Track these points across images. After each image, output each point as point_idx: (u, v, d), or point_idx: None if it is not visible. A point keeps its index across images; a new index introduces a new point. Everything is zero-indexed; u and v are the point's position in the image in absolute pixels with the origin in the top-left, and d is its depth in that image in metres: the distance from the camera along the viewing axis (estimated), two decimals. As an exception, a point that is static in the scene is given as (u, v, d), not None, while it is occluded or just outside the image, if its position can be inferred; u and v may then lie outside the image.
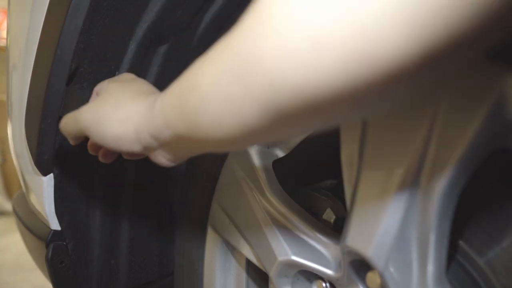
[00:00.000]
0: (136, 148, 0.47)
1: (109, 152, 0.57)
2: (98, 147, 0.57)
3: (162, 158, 0.48)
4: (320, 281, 0.53)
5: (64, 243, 0.71)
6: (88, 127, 0.50)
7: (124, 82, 0.55)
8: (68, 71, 0.59)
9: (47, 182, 0.67)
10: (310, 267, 0.52)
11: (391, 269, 0.41)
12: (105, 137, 0.49)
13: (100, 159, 0.58)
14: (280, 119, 0.32)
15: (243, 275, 0.72)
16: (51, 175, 0.67)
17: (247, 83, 0.32)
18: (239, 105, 0.34)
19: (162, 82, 0.72)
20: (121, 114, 0.48)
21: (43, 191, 0.67)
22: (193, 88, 0.38)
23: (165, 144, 0.45)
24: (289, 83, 0.29)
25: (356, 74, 0.26)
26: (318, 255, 0.52)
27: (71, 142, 0.56)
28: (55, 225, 0.70)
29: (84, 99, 0.66)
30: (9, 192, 2.86)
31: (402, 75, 0.26)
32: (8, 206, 2.76)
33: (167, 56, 0.69)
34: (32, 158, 0.65)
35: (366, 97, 0.28)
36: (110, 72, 0.67)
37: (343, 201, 0.60)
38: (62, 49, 0.58)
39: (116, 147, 0.49)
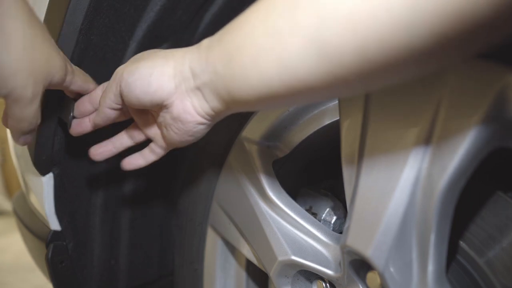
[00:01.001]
0: (167, 83, 0.44)
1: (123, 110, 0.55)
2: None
3: (189, 106, 0.45)
4: (320, 281, 0.53)
5: (64, 243, 0.71)
6: (123, 71, 0.48)
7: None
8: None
9: (47, 182, 0.67)
10: (310, 267, 0.52)
11: (391, 269, 0.41)
12: (133, 76, 0.46)
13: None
14: (327, 65, 0.32)
15: (243, 275, 0.72)
16: (51, 175, 0.67)
17: (296, 21, 0.32)
18: (285, 44, 0.33)
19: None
20: (157, 55, 0.47)
21: (42, 191, 0.68)
22: (240, 25, 0.38)
23: (199, 83, 0.43)
24: (339, 13, 0.30)
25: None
26: (318, 255, 0.52)
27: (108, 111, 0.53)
28: (55, 225, 0.70)
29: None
30: (9, 192, 2.86)
31: None
32: (8, 206, 2.76)
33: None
34: (31, 158, 0.65)
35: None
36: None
37: (343, 201, 0.60)
38: (60, 49, 0.58)
39: (145, 84, 0.45)
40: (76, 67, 0.55)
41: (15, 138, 0.52)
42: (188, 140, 0.50)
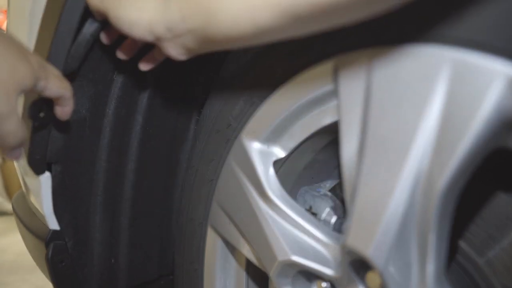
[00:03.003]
0: (148, 37, 0.51)
1: (128, 46, 0.63)
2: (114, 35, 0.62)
3: (172, 50, 0.52)
4: (320, 281, 0.53)
5: (64, 243, 0.71)
6: (108, 9, 0.54)
7: None
8: (63, 70, 0.59)
9: (45, 182, 0.67)
10: (310, 267, 0.52)
11: (391, 269, 0.41)
12: (121, 20, 0.53)
13: (118, 53, 0.63)
14: (293, 21, 0.38)
15: (243, 275, 0.72)
16: (48, 174, 0.67)
17: None
18: (256, 6, 0.39)
19: (160, 79, 0.72)
20: (138, 2, 0.52)
21: (40, 191, 0.67)
22: None
23: (178, 36, 0.49)
24: None
25: None
26: (318, 255, 0.52)
27: (96, 16, 0.59)
28: (53, 224, 0.70)
29: (83, 97, 0.66)
30: (9, 192, 2.86)
31: None
32: (8, 206, 2.76)
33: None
34: (25, 157, 0.65)
35: None
36: (108, 70, 0.67)
37: (343, 201, 0.60)
38: (56, 50, 0.58)
39: (129, 31, 0.52)
40: (55, 71, 0.55)
41: (5, 154, 0.54)
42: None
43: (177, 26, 0.48)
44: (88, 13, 0.58)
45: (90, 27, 0.60)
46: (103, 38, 0.62)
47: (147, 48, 0.63)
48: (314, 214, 0.59)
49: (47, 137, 0.64)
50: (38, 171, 0.66)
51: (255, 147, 0.61)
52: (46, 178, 0.67)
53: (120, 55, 0.64)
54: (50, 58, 0.58)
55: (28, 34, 0.66)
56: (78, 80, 0.64)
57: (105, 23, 0.59)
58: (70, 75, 0.62)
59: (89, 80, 0.66)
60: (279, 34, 0.42)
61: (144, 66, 0.64)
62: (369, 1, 0.36)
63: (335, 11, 0.37)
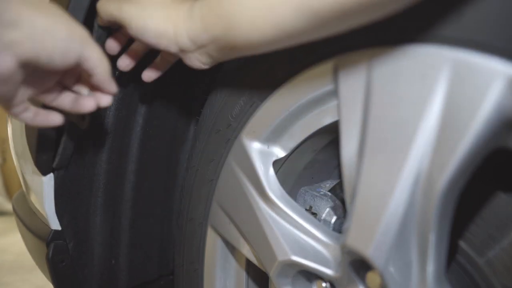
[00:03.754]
0: (172, 48, 0.51)
1: (135, 52, 0.62)
2: (123, 40, 0.61)
3: (196, 61, 0.52)
4: (320, 281, 0.53)
5: (65, 243, 0.71)
6: (130, 19, 0.52)
7: None
8: None
9: (47, 182, 0.67)
10: (310, 267, 0.52)
11: (391, 269, 0.41)
12: (146, 31, 0.52)
13: (120, 62, 0.62)
14: (313, 21, 0.37)
15: (243, 275, 0.72)
16: (51, 175, 0.67)
17: None
18: (274, 6, 0.39)
19: (160, 80, 0.72)
20: (164, 12, 0.51)
21: (43, 191, 0.68)
22: None
23: (201, 47, 0.49)
24: None
25: None
26: (318, 255, 0.52)
27: (99, 22, 0.58)
28: (55, 225, 0.70)
29: None
30: (9, 192, 2.86)
31: None
32: (8, 206, 2.76)
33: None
34: (32, 158, 0.66)
35: None
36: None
37: (343, 201, 0.60)
38: None
39: (155, 42, 0.52)
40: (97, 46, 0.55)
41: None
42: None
43: (199, 36, 0.48)
44: (91, 15, 0.58)
45: (96, 34, 0.59)
46: (110, 46, 0.61)
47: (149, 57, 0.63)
48: (314, 214, 0.60)
49: (54, 137, 0.64)
50: (45, 172, 0.66)
51: (255, 147, 0.61)
52: (48, 178, 0.67)
53: (122, 64, 0.63)
54: None
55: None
56: None
57: (111, 30, 0.59)
58: None
59: None
60: (301, 36, 0.41)
61: (147, 77, 0.64)
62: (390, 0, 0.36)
63: (358, 10, 0.36)
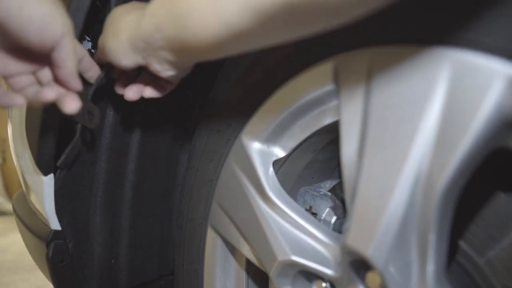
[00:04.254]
0: (130, 56, 0.52)
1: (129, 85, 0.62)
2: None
3: (157, 66, 0.52)
4: (320, 281, 0.53)
5: (65, 243, 0.71)
6: (100, 49, 0.56)
7: (128, 4, 0.58)
8: None
9: (48, 182, 0.67)
10: (310, 267, 0.52)
11: (391, 269, 0.41)
12: (107, 53, 0.53)
13: (124, 93, 0.62)
14: (259, 20, 0.36)
15: (243, 275, 0.72)
16: (51, 175, 0.67)
17: None
18: (221, 4, 0.38)
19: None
20: (115, 28, 0.53)
21: (43, 191, 0.68)
22: None
23: (157, 49, 0.49)
24: None
25: None
26: (318, 255, 0.52)
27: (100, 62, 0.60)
28: (55, 225, 0.70)
29: (85, 96, 0.66)
30: (9, 192, 2.86)
31: None
32: (8, 206, 2.76)
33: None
34: (33, 158, 0.66)
35: None
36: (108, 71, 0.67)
37: (343, 201, 0.60)
38: None
39: (115, 60, 0.53)
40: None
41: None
42: (181, 77, 0.57)
43: (152, 36, 0.47)
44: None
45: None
46: (118, 89, 0.63)
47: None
48: (314, 214, 0.60)
49: (56, 138, 0.64)
50: (46, 172, 0.66)
51: (255, 147, 0.61)
52: (49, 178, 0.67)
53: (128, 94, 0.62)
54: None
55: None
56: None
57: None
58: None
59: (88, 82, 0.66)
60: (253, 38, 0.40)
61: (148, 93, 0.63)
62: (350, 3, 0.33)
63: (306, 11, 0.34)
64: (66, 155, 0.65)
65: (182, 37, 0.44)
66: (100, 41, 0.56)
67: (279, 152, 0.61)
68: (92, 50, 0.71)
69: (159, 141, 0.77)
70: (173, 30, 0.45)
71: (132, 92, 0.61)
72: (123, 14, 0.53)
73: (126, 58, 0.52)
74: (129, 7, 0.55)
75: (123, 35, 0.51)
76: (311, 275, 0.55)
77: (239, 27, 0.38)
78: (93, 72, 0.59)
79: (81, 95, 0.60)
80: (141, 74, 0.63)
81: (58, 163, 0.66)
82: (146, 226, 0.80)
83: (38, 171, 0.66)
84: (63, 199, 0.70)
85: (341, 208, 0.59)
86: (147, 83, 0.62)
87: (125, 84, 0.63)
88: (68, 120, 0.61)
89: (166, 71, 0.52)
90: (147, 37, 0.48)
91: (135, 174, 0.76)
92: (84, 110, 0.60)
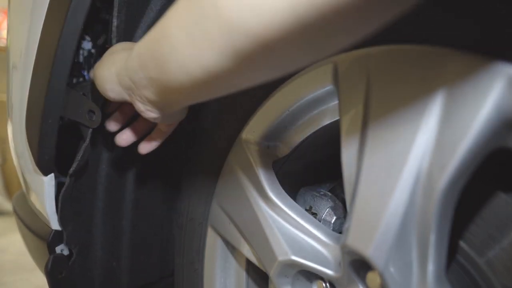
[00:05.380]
0: (117, 90, 0.53)
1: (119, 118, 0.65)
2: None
3: (140, 106, 0.52)
4: (320, 281, 0.53)
5: (63, 255, 0.71)
6: (94, 76, 0.57)
7: (129, 42, 0.61)
8: (69, 71, 0.59)
9: (48, 182, 0.67)
10: (310, 267, 0.52)
11: (391, 269, 0.41)
12: (97, 81, 0.56)
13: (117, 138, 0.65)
14: (238, 62, 0.36)
15: (243, 275, 0.72)
16: (52, 175, 0.67)
17: (206, 28, 0.36)
18: (200, 47, 0.38)
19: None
20: (109, 60, 0.54)
21: (44, 190, 0.67)
22: (162, 32, 0.42)
23: (141, 88, 0.49)
24: (244, 28, 0.33)
25: (302, 14, 0.29)
26: (318, 255, 0.52)
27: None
28: (56, 225, 0.70)
29: (86, 96, 0.66)
30: (9, 192, 2.86)
31: (348, 9, 0.28)
32: (8, 206, 2.76)
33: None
34: (34, 158, 0.66)
35: (312, 35, 0.31)
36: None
37: (343, 201, 0.60)
38: (62, 49, 0.58)
39: (103, 90, 0.55)
40: None
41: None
42: (170, 122, 0.59)
43: (137, 75, 0.48)
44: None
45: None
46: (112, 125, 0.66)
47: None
48: (314, 214, 0.60)
49: (56, 138, 0.64)
50: (46, 172, 0.66)
51: (255, 147, 0.61)
52: (49, 178, 0.67)
53: (119, 140, 0.65)
54: (56, 58, 0.58)
55: (28, 34, 0.66)
56: (78, 90, 0.64)
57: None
58: (72, 84, 0.62)
59: (92, 82, 0.66)
60: (233, 80, 0.39)
61: (144, 149, 0.65)
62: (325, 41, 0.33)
63: (280, 50, 0.33)
64: (78, 162, 0.64)
65: (164, 78, 0.44)
66: (95, 67, 0.57)
67: (279, 152, 0.61)
68: (92, 50, 0.71)
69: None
70: (155, 71, 0.45)
71: (124, 137, 0.65)
72: (120, 50, 0.55)
73: (112, 91, 0.54)
74: (129, 45, 0.58)
75: (113, 68, 0.53)
76: (311, 275, 0.55)
77: (217, 68, 0.38)
78: None
79: (82, 94, 0.60)
80: (138, 118, 0.65)
81: (71, 171, 0.65)
82: (147, 228, 0.80)
83: (38, 171, 0.66)
84: (68, 205, 0.70)
85: (341, 208, 0.59)
86: (142, 129, 0.65)
87: (119, 120, 0.66)
88: (70, 121, 0.61)
89: (148, 112, 0.53)
90: (132, 75, 0.49)
91: (136, 175, 0.76)
92: (85, 109, 0.60)
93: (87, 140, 0.63)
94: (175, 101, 0.49)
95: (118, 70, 0.52)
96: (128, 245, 0.79)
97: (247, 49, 0.34)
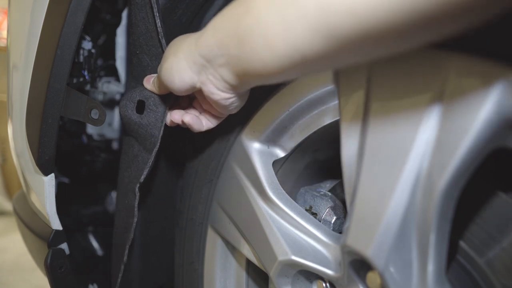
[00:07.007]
0: (185, 75, 0.50)
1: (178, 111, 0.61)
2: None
3: (212, 87, 0.49)
4: (320, 281, 0.53)
5: (63, 249, 0.71)
6: (158, 75, 0.56)
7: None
8: (69, 71, 0.59)
9: (48, 182, 0.67)
10: (310, 267, 0.52)
11: (391, 269, 0.41)
12: (163, 74, 0.52)
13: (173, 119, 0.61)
14: (333, 43, 0.34)
15: (243, 275, 0.72)
16: (52, 174, 0.67)
17: (302, 6, 0.34)
18: (292, 27, 0.36)
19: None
20: (174, 49, 0.52)
21: (44, 190, 0.68)
22: (246, 8, 0.40)
23: (217, 66, 0.47)
24: (346, 7, 0.31)
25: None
26: (318, 255, 0.52)
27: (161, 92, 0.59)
28: (56, 224, 0.70)
29: (85, 96, 0.66)
30: (9, 192, 2.86)
31: None
32: (8, 206, 2.76)
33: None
34: (34, 158, 0.66)
35: (425, 23, 0.29)
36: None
37: (343, 201, 0.60)
38: (62, 49, 0.58)
39: (169, 80, 0.52)
40: None
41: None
42: (231, 110, 0.55)
43: (213, 52, 0.45)
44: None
45: None
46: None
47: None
48: (314, 214, 0.60)
49: (56, 137, 0.64)
50: (47, 172, 0.66)
51: (255, 147, 0.61)
52: (50, 178, 0.67)
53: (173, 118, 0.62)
54: (56, 58, 0.58)
55: (28, 34, 0.66)
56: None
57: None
58: (80, 84, 0.62)
59: (91, 82, 0.66)
60: (321, 61, 0.37)
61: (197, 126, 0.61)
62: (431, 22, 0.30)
63: (384, 35, 0.32)
64: (145, 176, 0.64)
65: (245, 56, 0.41)
66: (159, 67, 0.55)
67: (279, 152, 0.61)
68: (92, 50, 0.71)
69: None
70: (237, 50, 0.42)
71: (176, 116, 0.61)
72: (183, 38, 0.52)
73: (180, 78, 0.50)
74: (190, 34, 0.54)
75: (181, 54, 0.50)
76: (311, 275, 0.55)
77: (308, 50, 0.36)
78: None
79: (87, 93, 0.60)
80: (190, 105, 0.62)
81: (137, 187, 0.65)
82: (155, 232, 0.80)
83: (38, 170, 0.66)
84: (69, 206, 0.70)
85: (341, 208, 0.59)
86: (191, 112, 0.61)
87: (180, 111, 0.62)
88: (70, 121, 0.61)
89: (220, 93, 0.50)
90: (207, 52, 0.46)
91: (144, 180, 0.76)
92: (87, 108, 0.60)
93: (152, 157, 0.62)
94: (253, 81, 0.46)
95: (187, 53, 0.49)
96: (138, 248, 0.78)
97: (345, 30, 0.33)
